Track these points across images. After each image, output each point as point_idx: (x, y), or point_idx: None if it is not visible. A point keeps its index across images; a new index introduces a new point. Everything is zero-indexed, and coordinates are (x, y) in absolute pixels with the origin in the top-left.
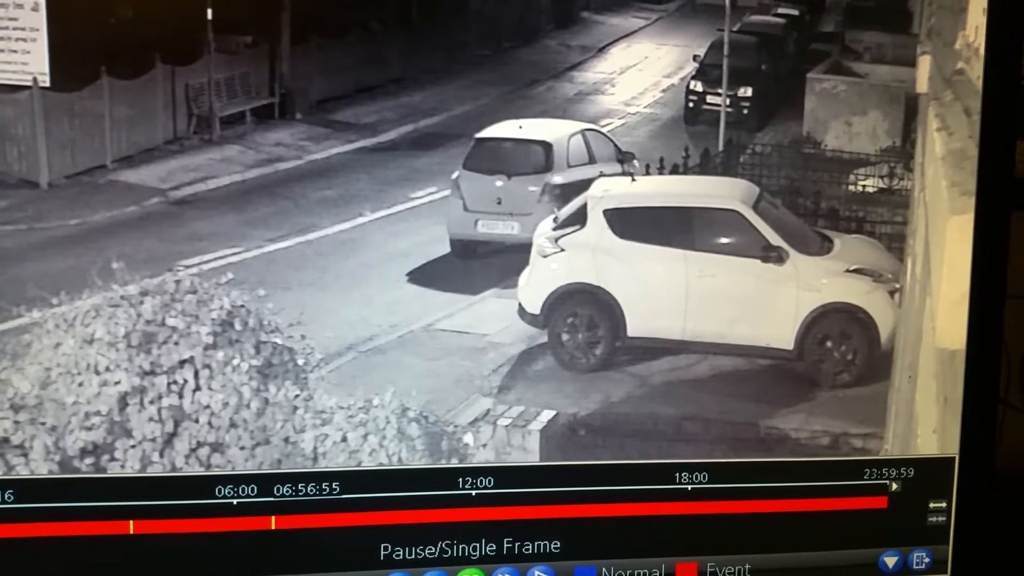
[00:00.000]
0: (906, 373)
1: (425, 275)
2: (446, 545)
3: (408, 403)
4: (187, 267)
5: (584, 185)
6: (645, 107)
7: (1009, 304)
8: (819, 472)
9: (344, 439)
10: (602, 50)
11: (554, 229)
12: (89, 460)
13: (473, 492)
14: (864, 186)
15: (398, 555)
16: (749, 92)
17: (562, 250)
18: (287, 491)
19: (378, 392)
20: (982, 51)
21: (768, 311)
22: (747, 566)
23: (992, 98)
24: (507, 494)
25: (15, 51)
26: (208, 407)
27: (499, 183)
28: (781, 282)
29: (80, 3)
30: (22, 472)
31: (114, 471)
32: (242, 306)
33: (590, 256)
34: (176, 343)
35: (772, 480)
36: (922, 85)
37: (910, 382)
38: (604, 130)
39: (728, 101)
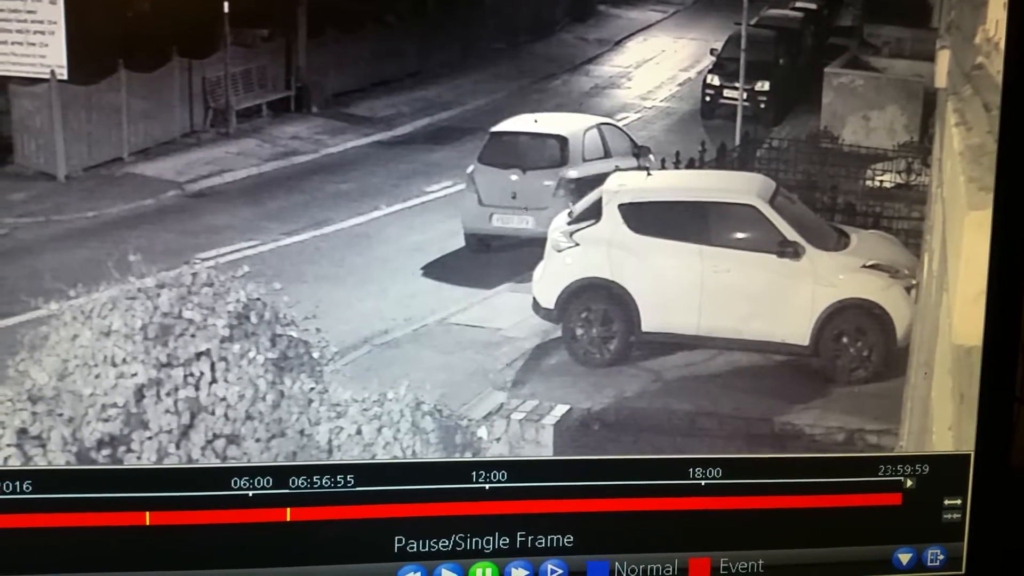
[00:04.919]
0: (922, 369)
1: (440, 269)
2: (459, 538)
3: (422, 397)
4: (204, 260)
5: (599, 179)
6: (661, 101)
7: None
8: (833, 468)
9: (359, 432)
10: (619, 43)
11: (569, 223)
12: (106, 451)
13: (487, 486)
14: (881, 181)
15: (412, 548)
16: (766, 86)
17: (577, 244)
18: (302, 483)
19: (393, 385)
20: (1002, 45)
21: (784, 307)
22: (760, 562)
23: (1012, 93)
24: (520, 488)
25: (33, 44)
26: (224, 399)
27: (514, 177)
28: (797, 277)
29: None
30: (40, 463)
31: (130, 463)
32: (258, 299)
33: (605, 251)
34: (192, 335)
35: (786, 476)
36: (941, 80)
37: (926, 379)
38: (620, 124)
39: (745, 95)
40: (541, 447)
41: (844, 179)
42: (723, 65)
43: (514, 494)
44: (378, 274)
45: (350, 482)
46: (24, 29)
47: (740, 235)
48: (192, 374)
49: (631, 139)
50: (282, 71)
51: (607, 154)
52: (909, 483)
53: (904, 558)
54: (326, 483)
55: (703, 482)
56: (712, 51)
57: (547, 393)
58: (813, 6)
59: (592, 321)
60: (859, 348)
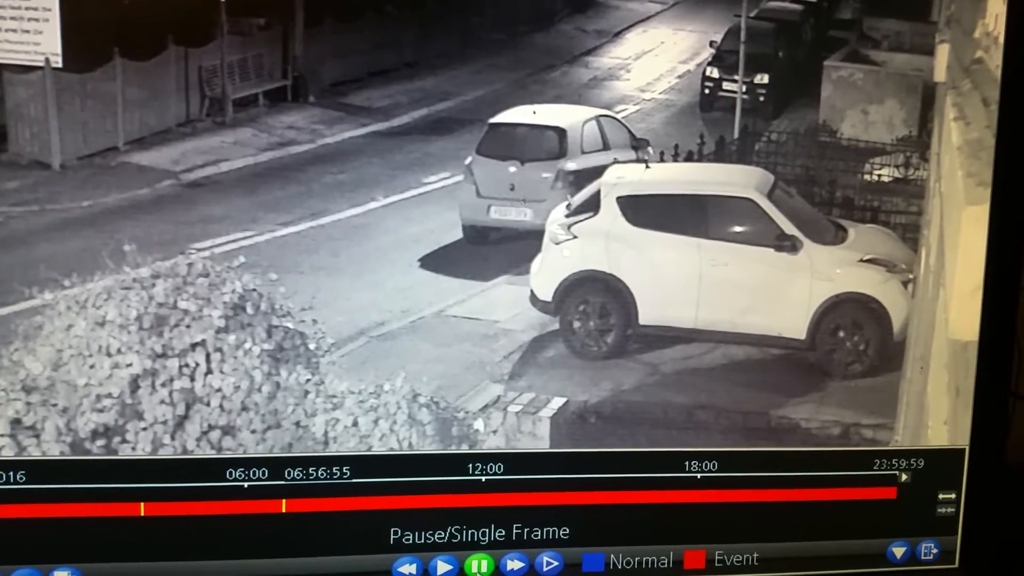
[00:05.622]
0: (918, 364)
1: (437, 261)
2: (455, 530)
3: (419, 389)
4: (199, 250)
5: (598, 172)
6: (660, 93)
7: (1023, 296)
8: (829, 462)
9: (355, 424)
10: (618, 35)
11: (567, 216)
12: (100, 442)
13: (483, 478)
14: (880, 175)
15: (407, 539)
16: (765, 79)
17: (575, 237)
18: (298, 475)
19: (389, 377)
20: (1001, 40)
21: (781, 300)
22: (755, 554)
23: (1011, 88)
24: (517, 480)
25: (27, 31)
26: (219, 390)
27: (512, 169)
28: (794, 271)
29: None
30: (34, 453)
31: (125, 453)
32: (254, 290)
33: (603, 243)
34: (188, 326)
35: (782, 469)
36: (940, 74)
37: (922, 373)
38: (619, 116)
39: (744, 88)
40: (538, 440)
41: (842, 173)
42: (722, 58)
43: (510, 486)
44: (375, 265)
45: (346, 474)
46: (18, 16)
47: (738, 228)
48: (187, 365)
49: (630, 131)
50: (279, 60)
51: (606, 146)
52: (904, 477)
53: (898, 551)
54: (322, 475)
55: (699, 475)
56: (711, 43)
57: (544, 386)
58: None
59: (589, 314)
60: (855, 342)
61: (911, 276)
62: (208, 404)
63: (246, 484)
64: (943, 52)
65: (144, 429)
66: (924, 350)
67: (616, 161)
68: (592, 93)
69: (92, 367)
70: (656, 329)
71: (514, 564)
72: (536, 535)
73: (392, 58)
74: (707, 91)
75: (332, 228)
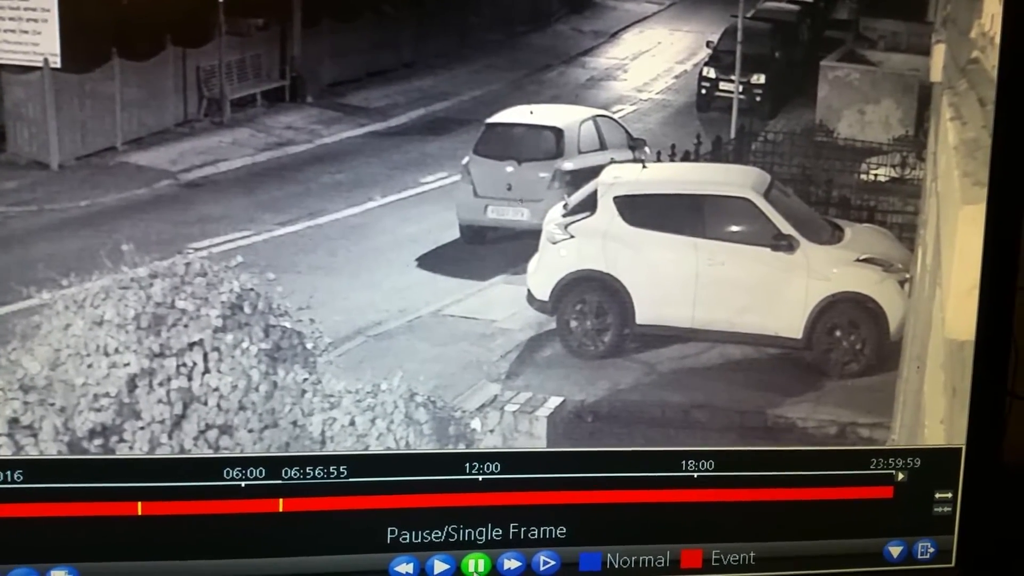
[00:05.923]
0: (914, 363)
1: (434, 260)
2: (452, 529)
3: (416, 388)
4: (197, 250)
5: (595, 172)
6: (657, 93)
7: (1019, 296)
8: (826, 461)
9: (352, 423)
10: (615, 35)
11: (564, 215)
12: (98, 441)
13: (480, 477)
14: (876, 175)
15: (404, 539)
16: (762, 79)
17: (572, 237)
18: (295, 474)
19: (386, 377)
20: (998, 40)
21: (777, 300)
22: (752, 554)
23: (1007, 88)
24: (514, 479)
25: (26, 32)
26: (217, 390)
27: (509, 169)
28: (791, 271)
29: None
30: (31, 452)
31: (123, 452)
32: (251, 289)
33: (600, 243)
34: (185, 325)
35: (778, 469)
36: (936, 74)
37: (918, 372)
38: (616, 116)
39: (741, 88)
40: (534, 439)
41: (839, 173)
42: (719, 58)
43: (507, 486)
44: (372, 265)
45: (343, 473)
46: (17, 17)
47: (735, 228)
48: (185, 364)
49: (627, 131)
50: (277, 60)
51: (603, 146)
52: (900, 476)
53: (895, 551)
54: (319, 474)
55: (696, 474)
56: (708, 44)
57: (541, 385)
58: None
59: (586, 313)
60: (852, 342)
61: (907, 275)
62: (205, 403)
63: (243, 483)
64: (939, 52)
65: (141, 428)
66: (921, 349)
67: (613, 161)
68: (589, 93)
69: (90, 366)
70: (653, 328)
71: (511, 563)
72: (533, 534)
73: (390, 58)
74: (704, 91)
75: (330, 228)
